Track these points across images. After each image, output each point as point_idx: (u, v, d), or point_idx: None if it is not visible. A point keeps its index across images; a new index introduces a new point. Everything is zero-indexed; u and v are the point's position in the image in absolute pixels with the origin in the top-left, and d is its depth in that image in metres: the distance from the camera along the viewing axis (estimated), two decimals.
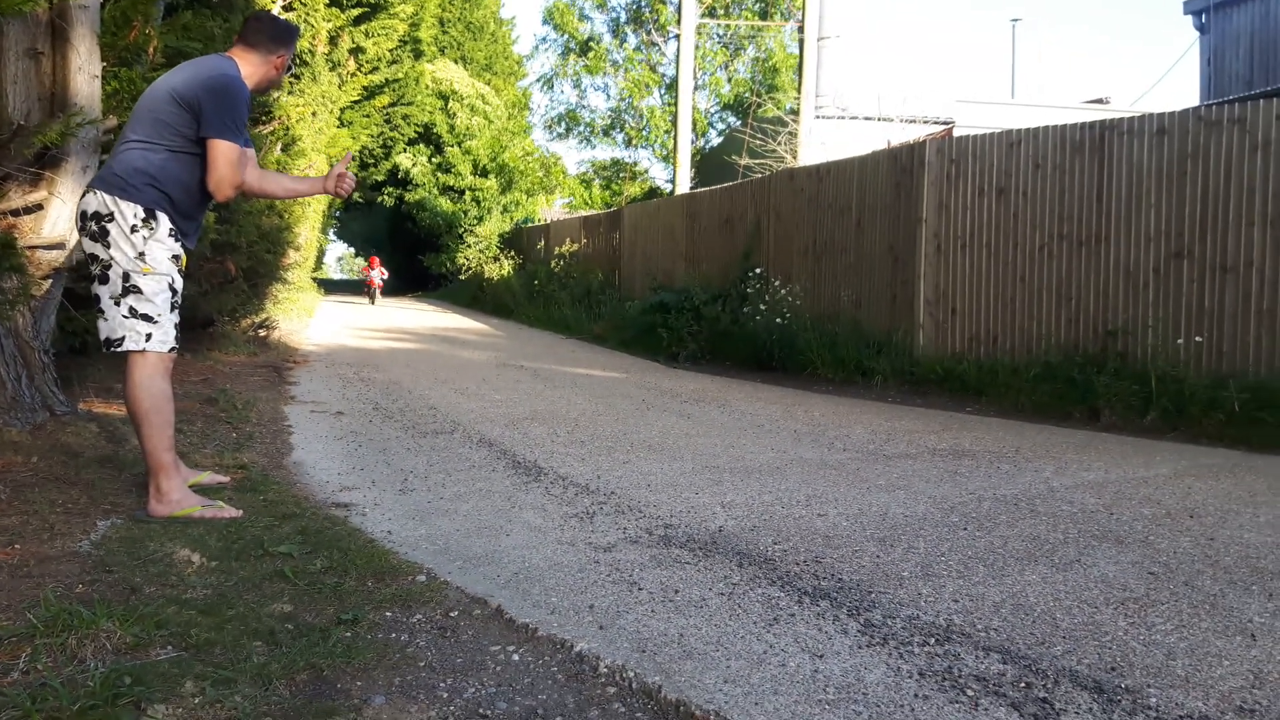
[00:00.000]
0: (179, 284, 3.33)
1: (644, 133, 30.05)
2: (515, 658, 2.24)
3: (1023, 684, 2.15)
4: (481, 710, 1.98)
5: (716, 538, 3.34)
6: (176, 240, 3.29)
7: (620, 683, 2.12)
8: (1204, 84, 16.29)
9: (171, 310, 3.29)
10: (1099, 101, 19.45)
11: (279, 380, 7.47)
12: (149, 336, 3.22)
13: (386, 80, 20.79)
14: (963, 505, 3.86)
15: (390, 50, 18.31)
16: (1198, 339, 6.36)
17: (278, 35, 3.52)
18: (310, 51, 11.92)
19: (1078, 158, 7.24)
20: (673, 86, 24.23)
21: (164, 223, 3.23)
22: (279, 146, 9.48)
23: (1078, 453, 5.14)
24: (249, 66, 3.44)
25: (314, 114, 12.38)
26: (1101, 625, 2.54)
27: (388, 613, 2.49)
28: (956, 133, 11.18)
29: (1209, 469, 4.76)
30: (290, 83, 11.26)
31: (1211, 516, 3.75)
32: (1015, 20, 48.48)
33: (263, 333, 10.01)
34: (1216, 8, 15.95)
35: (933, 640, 2.41)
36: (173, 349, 3.31)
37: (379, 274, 23.75)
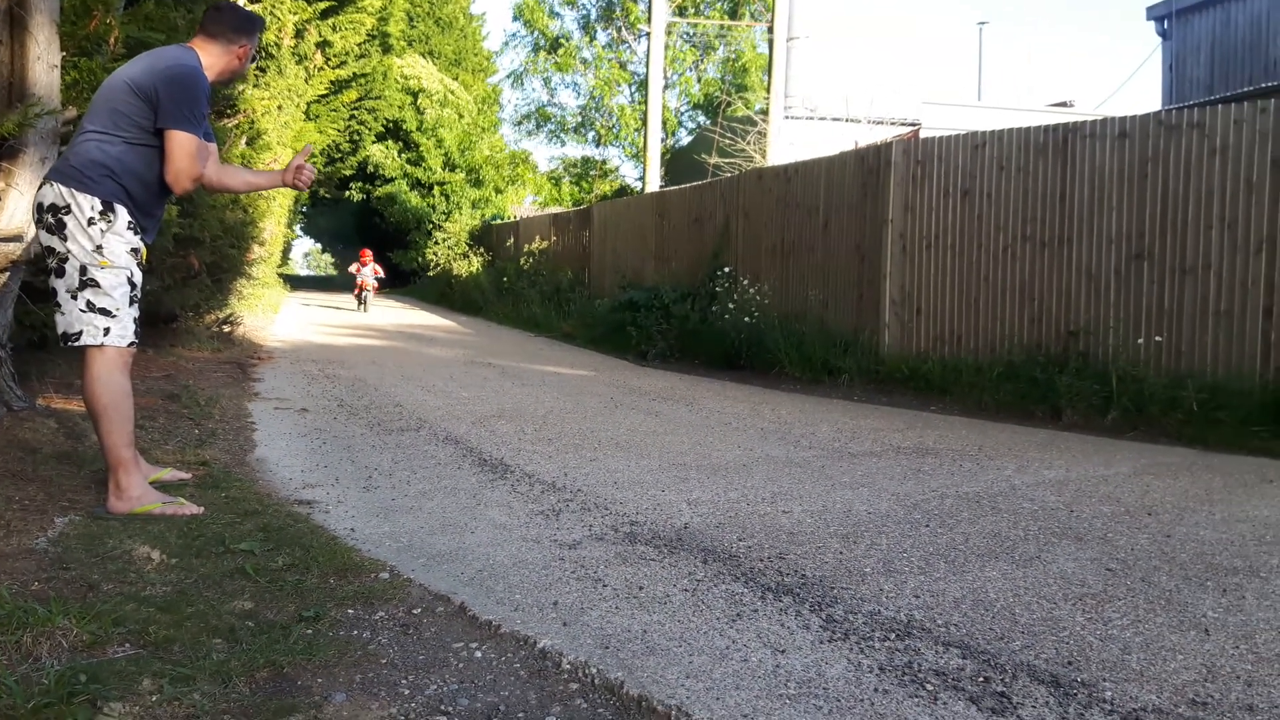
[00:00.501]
0: (138, 278, 3.29)
1: (614, 131, 30.06)
2: (478, 654, 2.24)
3: (981, 678, 2.18)
4: (443, 707, 1.97)
5: (682, 535, 3.35)
6: (136, 233, 3.25)
7: (583, 679, 2.12)
8: (1166, 89, 16.55)
9: (131, 304, 3.25)
10: (1063, 105, 19.70)
11: (243, 376, 7.39)
12: (107, 331, 3.18)
13: (354, 74, 20.62)
14: (925, 502, 3.90)
15: (358, 44, 18.15)
16: (1157, 339, 6.46)
17: (239, 25, 3.48)
18: (276, 45, 11.78)
19: (1041, 160, 7.32)
20: (643, 85, 24.23)
21: (122, 215, 3.18)
22: (244, 140, 9.38)
23: (1040, 451, 5.20)
24: (210, 57, 3.40)
25: (279, 108, 12.24)
26: (1060, 620, 2.57)
27: (350, 610, 2.47)
28: (923, 134, 11.29)
29: (1168, 467, 4.84)
30: (255, 76, 11.13)
31: (1169, 514, 3.81)
32: (982, 23, 49.11)
33: (227, 328, 9.89)
34: (1178, 14, 16.21)
35: (893, 635, 2.43)
36: (132, 344, 3.26)
37: (371, 272, 18.21)
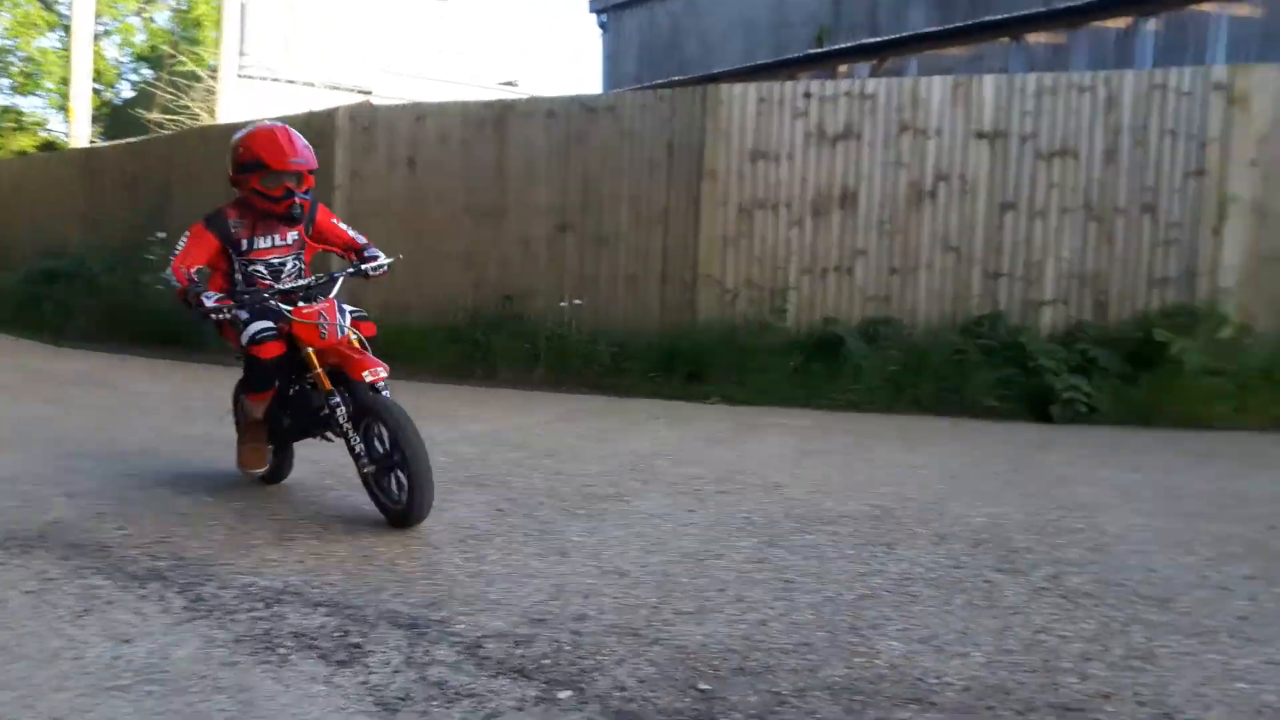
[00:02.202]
0: None
1: (35, 79, 25.87)
2: None
3: (340, 633, 2.18)
4: None
5: (48, 531, 2.94)
6: None
7: None
8: (605, 79, 18.26)
9: None
10: (510, 84, 20.86)
11: None
12: None
13: None
14: (345, 468, 3.86)
15: None
16: (578, 301, 7.10)
17: None
18: None
19: (481, 135, 7.65)
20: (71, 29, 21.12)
21: None
22: None
23: (471, 408, 5.46)
24: None
25: None
26: (439, 565, 2.68)
27: None
28: (377, 103, 11.24)
29: (579, 413, 5.35)
30: None
31: (566, 454, 4.20)
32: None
33: None
34: (613, 10, 17.93)
35: (262, 605, 2.35)
36: None
37: (328, 313, 3.59)
